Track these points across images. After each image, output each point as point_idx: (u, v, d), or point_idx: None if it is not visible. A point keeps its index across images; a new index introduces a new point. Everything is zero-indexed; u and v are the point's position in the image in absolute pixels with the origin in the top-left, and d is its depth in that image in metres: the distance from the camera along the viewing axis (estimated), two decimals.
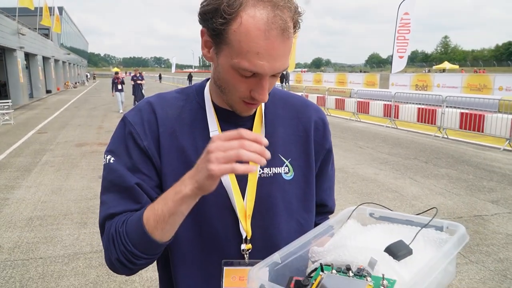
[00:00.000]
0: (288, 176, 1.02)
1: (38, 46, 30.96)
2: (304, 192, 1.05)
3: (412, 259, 0.78)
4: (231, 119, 1.00)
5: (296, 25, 0.86)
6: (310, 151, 1.06)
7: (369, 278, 0.73)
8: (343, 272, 0.76)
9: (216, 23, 0.83)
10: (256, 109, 1.02)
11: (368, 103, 15.75)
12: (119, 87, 17.59)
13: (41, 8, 30.96)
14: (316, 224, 1.07)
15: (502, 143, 9.70)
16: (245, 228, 0.97)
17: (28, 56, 27.75)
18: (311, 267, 0.83)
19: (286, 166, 1.02)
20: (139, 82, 17.93)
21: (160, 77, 56.66)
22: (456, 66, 75.37)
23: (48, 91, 33.66)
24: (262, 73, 0.85)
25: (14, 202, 5.67)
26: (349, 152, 9.11)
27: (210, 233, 0.97)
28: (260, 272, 0.78)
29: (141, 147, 0.96)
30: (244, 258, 0.97)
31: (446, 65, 73.33)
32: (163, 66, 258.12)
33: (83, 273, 3.69)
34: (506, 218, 5.01)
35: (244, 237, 0.97)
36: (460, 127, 11.55)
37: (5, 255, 4.05)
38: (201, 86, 1.05)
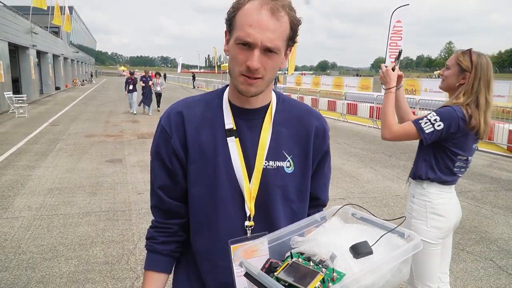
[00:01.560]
0: (289, 170, 1.20)
1: (49, 44, 32.36)
2: (300, 184, 1.23)
3: (371, 258, 0.91)
4: (245, 116, 1.20)
5: (293, 23, 1.10)
6: (309, 151, 1.24)
7: (324, 269, 0.88)
8: (306, 261, 0.92)
9: (229, 14, 1.10)
10: (267, 110, 1.22)
11: (356, 105, 16.92)
12: (130, 87, 17.26)
13: (52, 7, 32.25)
14: (309, 214, 1.25)
15: None
16: (250, 207, 1.15)
17: (39, 53, 29.08)
18: (287, 254, 0.98)
19: (288, 161, 1.20)
20: (150, 84, 17.44)
21: (165, 77, 58.16)
22: None
23: (57, 88, 35.01)
24: (253, 42, 1.04)
25: (36, 178, 6.90)
26: None
27: (222, 210, 1.16)
28: (260, 245, 1.00)
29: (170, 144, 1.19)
30: (246, 234, 1.15)
31: None
32: (169, 65, 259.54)
33: (94, 223, 4.90)
34: None
35: (248, 215, 1.15)
36: None
37: (33, 212, 5.26)
38: (222, 90, 1.26)
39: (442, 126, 2.15)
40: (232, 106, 1.19)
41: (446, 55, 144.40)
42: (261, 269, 0.92)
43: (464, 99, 2.18)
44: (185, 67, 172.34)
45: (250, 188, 1.15)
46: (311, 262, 0.91)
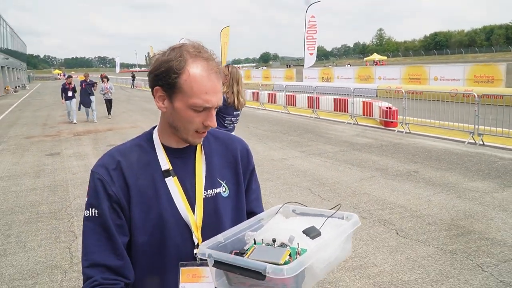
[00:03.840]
0: (225, 194, 1.34)
1: None
2: (237, 204, 1.38)
3: (322, 238, 1.09)
4: (178, 155, 1.31)
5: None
6: (239, 172, 1.39)
7: (288, 248, 1.03)
8: (270, 245, 1.07)
9: (170, 78, 1.18)
10: (197, 145, 1.33)
11: (275, 94, 19.28)
12: (70, 94, 15.50)
13: None
14: None
15: (351, 119, 13.42)
16: (197, 236, 1.26)
17: None
18: (246, 246, 1.12)
19: (223, 186, 1.34)
20: (94, 88, 16.08)
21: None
22: (384, 57, 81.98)
23: None
24: (211, 106, 1.20)
25: None
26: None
27: (171, 244, 1.25)
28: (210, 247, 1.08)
29: (109, 193, 1.22)
30: (196, 260, 1.24)
31: (376, 56, 79.68)
32: (108, 65, 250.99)
33: (40, 194, 6.65)
34: (298, 158, 8.46)
35: (196, 243, 1.26)
36: (334, 109, 15.22)
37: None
38: (150, 133, 1.35)
39: None
40: (165, 148, 1.30)
41: (378, 41, 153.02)
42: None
43: (225, 90, 4.30)
44: (125, 66, 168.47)
45: (195, 219, 1.26)
46: (275, 244, 1.06)
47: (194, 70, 1.17)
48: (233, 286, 1.05)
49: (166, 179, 1.26)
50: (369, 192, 6.09)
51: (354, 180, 6.74)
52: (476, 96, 9.36)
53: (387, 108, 12.26)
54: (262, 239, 1.08)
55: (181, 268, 1.24)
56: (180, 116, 1.22)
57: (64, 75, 16.93)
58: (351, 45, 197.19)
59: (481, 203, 5.42)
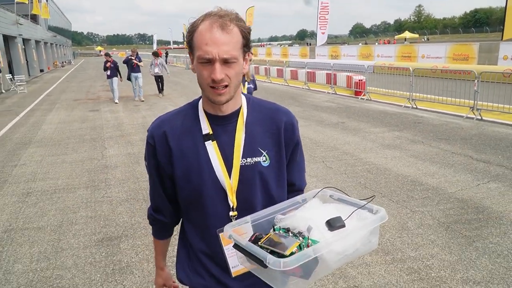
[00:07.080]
0: (265, 163, 1.40)
1: (31, 32, 36.43)
2: (277, 174, 1.44)
3: (344, 231, 1.13)
4: (220, 122, 1.38)
5: (243, 32, 1.28)
6: (281, 144, 1.43)
7: (301, 238, 1.09)
8: (286, 233, 1.15)
9: (188, 38, 1.30)
10: (239, 113, 1.39)
11: (282, 70, 22.07)
12: (108, 73, 14.98)
13: None
14: (288, 198, 1.44)
15: (330, 89, 16.13)
16: (232, 199, 1.36)
17: (23, 40, 33.25)
18: (271, 230, 1.22)
19: (264, 156, 1.39)
20: (140, 64, 15.61)
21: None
22: (416, 35, 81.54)
23: (41, 70, 39.23)
24: (212, 57, 1.23)
25: (49, 119, 11.98)
26: None
27: (209, 204, 1.38)
28: (243, 226, 1.23)
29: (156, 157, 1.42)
30: (231, 222, 1.30)
31: (407, 34, 79.44)
32: (147, 42, 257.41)
33: (84, 131, 10.03)
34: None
35: (231, 206, 1.37)
36: (326, 82, 17.91)
37: (53, 130, 10.37)
38: (196, 101, 1.44)
39: None
40: (207, 115, 1.39)
41: (416, 18, 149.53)
42: (248, 241, 1.13)
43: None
44: (163, 43, 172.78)
45: (230, 184, 1.35)
46: (290, 233, 1.13)
47: (201, 26, 1.26)
48: (251, 263, 1.14)
49: (206, 143, 1.36)
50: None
51: None
52: (411, 70, 11.91)
53: (359, 80, 14.88)
54: (280, 226, 1.19)
55: (219, 234, 1.33)
56: (197, 73, 1.30)
57: (105, 54, 15.71)
58: (392, 22, 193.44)
59: (364, 138, 8.25)
